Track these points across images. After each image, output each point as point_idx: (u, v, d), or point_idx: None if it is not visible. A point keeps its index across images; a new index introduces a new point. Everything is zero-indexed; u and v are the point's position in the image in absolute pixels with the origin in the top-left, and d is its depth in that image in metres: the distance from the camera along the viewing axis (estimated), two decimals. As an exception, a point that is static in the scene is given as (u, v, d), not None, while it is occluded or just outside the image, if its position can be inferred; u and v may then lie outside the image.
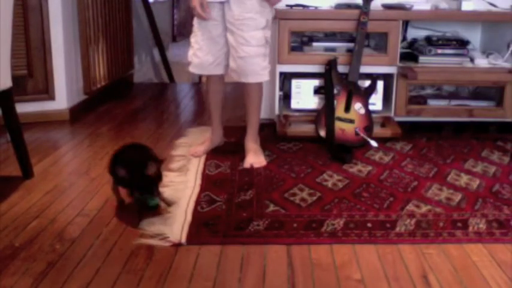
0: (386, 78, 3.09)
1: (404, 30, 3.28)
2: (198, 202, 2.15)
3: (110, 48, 4.04)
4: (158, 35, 4.92)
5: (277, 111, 3.13)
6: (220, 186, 2.32)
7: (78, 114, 3.53)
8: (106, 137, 3.08)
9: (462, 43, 3.15)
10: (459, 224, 1.97)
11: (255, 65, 2.47)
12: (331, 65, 2.88)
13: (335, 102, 2.86)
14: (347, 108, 2.87)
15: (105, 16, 3.90)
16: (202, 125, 3.30)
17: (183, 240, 1.84)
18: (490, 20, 3.24)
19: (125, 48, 4.44)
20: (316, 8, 3.12)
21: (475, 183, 2.38)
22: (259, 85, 2.59)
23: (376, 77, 2.96)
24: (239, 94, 3.43)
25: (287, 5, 3.16)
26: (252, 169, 2.52)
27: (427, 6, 3.12)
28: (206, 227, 1.94)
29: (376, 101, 3.06)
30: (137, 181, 1.98)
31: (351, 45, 3.04)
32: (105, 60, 3.94)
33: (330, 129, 2.81)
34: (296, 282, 1.61)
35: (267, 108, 3.35)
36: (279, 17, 2.98)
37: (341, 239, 1.87)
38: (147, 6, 4.93)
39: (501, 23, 3.21)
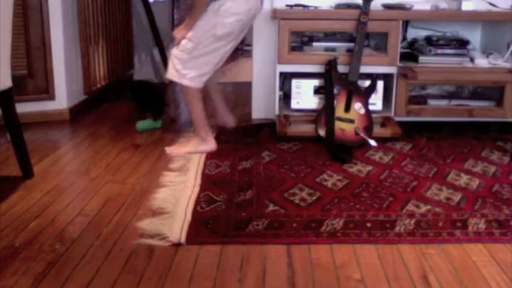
0: (386, 78, 3.09)
1: (405, 30, 3.29)
2: (197, 202, 2.15)
3: (110, 48, 4.04)
4: (158, 35, 4.91)
5: (277, 111, 3.13)
6: (220, 186, 2.32)
7: (78, 114, 3.54)
8: (106, 137, 3.08)
9: (462, 43, 3.15)
10: (459, 224, 1.97)
11: (170, 64, 2.70)
12: (331, 65, 2.88)
13: (335, 102, 2.86)
14: (347, 108, 2.87)
15: (105, 16, 3.90)
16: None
17: (183, 240, 1.84)
18: (490, 20, 3.24)
19: (125, 48, 4.44)
20: (316, 8, 3.12)
21: (475, 183, 2.38)
22: (184, 87, 2.70)
23: (376, 77, 2.96)
24: (238, 94, 3.43)
25: (287, 5, 3.16)
26: (252, 169, 2.52)
27: (427, 6, 3.12)
28: (206, 226, 1.94)
29: (376, 101, 3.06)
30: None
31: (351, 45, 3.04)
32: (105, 60, 3.95)
33: (330, 129, 2.81)
34: (296, 282, 1.61)
35: (267, 108, 3.35)
36: (279, 17, 2.99)
37: (341, 239, 1.87)
38: (147, 6, 4.92)
39: (501, 23, 3.21)
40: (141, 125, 3.23)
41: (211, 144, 2.81)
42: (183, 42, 2.62)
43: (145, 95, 3.48)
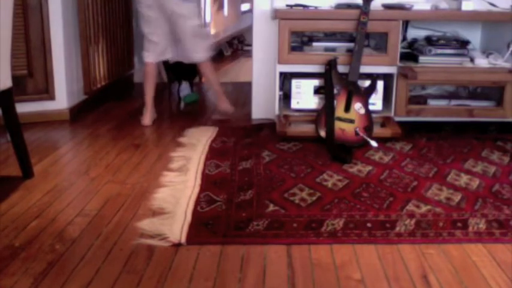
0: (386, 78, 3.09)
1: (405, 30, 3.29)
2: (197, 202, 2.15)
3: (110, 48, 4.03)
4: (158, 35, 4.92)
5: (277, 111, 3.13)
6: (220, 186, 2.32)
7: (78, 114, 3.54)
8: (106, 137, 3.08)
9: (462, 43, 3.15)
10: (459, 224, 1.97)
11: None
12: (331, 65, 2.88)
13: (335, 102, 2.86)
14: (347, 108, 2.87)
15: (105, 16, 3.90)
16: (202, 125, 3.30)
17: (183, 240, 1.85)
18: (490, 20, 3.24)
19: (125, 48, 4.44)
20: (316, 8, 3.12)
21: (475, 183, 2.38)
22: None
23: (376, 77, 2.96)
24: (238, 94, 3.44)
25: (287, 5, 3.16)
26: (252, 169, 2.52)
27: (427, 6, 3.13)
28: (206, 227, 1.94)
29: (376, 101, 3.06)
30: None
31: (351, 45, 3.04)
32: (105, 60, 3.94)
33: (330, 129, 2.81)
34: (296, 282, 1.61)
35: (267, 108, 3.35)
36: (279, 17, 2.99)
37: (341, 239, 1.87)
38: (147, 6, 4.93)
39: (501, 23, 3.21)
40: (188, 98, 3.92)
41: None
42: None
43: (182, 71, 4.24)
